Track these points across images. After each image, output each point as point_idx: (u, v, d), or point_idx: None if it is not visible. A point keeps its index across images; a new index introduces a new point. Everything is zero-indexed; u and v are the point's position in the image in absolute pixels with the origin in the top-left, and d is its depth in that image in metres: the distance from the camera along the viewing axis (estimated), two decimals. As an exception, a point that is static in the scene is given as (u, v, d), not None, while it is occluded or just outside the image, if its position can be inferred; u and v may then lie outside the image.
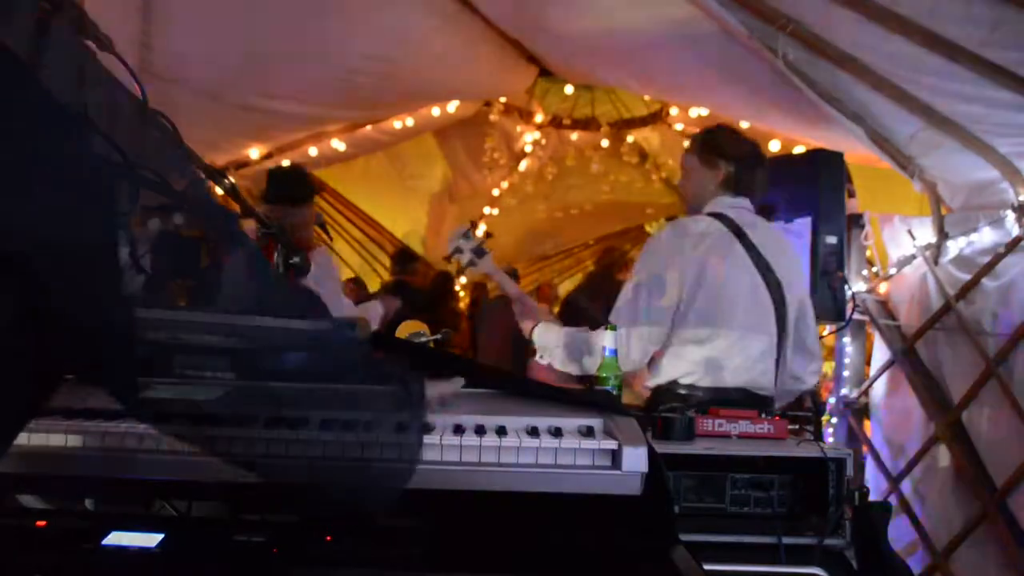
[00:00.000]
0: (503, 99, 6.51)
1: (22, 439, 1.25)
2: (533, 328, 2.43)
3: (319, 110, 5.08)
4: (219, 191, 1.75)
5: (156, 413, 1.29)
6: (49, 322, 0.89)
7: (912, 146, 3.38)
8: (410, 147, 6.73)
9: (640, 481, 1.35)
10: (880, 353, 3.94)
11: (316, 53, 4.28)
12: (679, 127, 6.27)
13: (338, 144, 5.70)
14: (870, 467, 3.89)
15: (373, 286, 7.01)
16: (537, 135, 6.89)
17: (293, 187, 3.14)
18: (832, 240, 3.28)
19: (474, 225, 7.03)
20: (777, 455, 1.90)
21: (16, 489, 1.56)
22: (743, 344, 2.24)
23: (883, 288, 3.92)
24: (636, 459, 1.34)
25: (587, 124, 6.71)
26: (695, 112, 5.78)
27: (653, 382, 2.30)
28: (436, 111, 5.90)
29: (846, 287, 3.34)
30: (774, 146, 4.95)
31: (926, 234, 3.65)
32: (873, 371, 3.96)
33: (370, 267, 7.74)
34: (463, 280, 7.24)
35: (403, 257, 6.58)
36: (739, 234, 2.29)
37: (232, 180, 1.88)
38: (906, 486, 3.68)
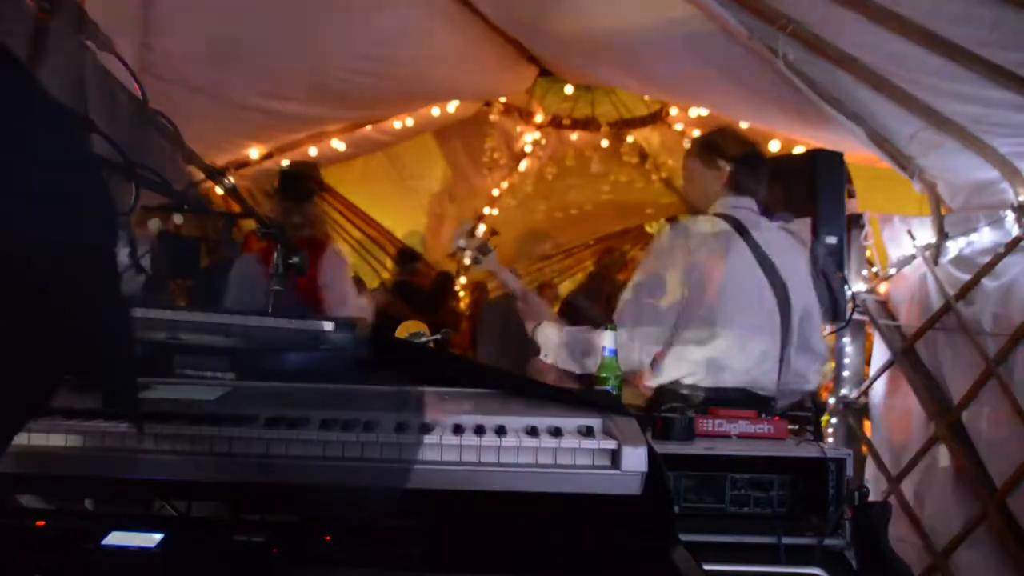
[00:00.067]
0: (503, 99, 6.51)
1: (22, 439, 1.25)
2: (536, 327, 2.43)
3: (319, 110, 5.07)
4: (219, 191, 1.76)
5: (156, 413, 1.30)
6: (49, 322, 0.89)
7: (912, 146, 3.38)
8: (410, 147, 6.72)
9: (640, 481, 1.35)
10: (880, 353, 3.93)
11: (316, 53, 4.27)
12: (679, 127, 6.26)
13: (338, 144, 5.70)
14: (870, 467, 3.88)
15: (373, 286, 7.00)
16: (537, 135, 6.88)
17: (298, 183, 3.18)
18: (832, 240, 3.28)
19: (480, 220, 7.06)
20: (777, 455, 1.91)
21: (16, 489, 1.56)
22: (746, 344, 2.23)
23: (883, 288, 3.92)
24: (636, 459, 1.34)
25: (587, 124, 6.71)
26: (695, 112, 5.78)
27: (656, 382, 2.30)
28: (436, 111, 5.90)
29: (846, 287, 3.34)
30: (774, 146, 4.94)
31: (926, 234, 3.65)
32: (873, 371, 3.96)
33: (370, 267, 7.73)
34: (463, 280, 7.25)
35: (405, 257, 6.58)
36: (744, 234, 2.30)
37: (232, 180, 1.89)
38: (906, 486, 3.68)
